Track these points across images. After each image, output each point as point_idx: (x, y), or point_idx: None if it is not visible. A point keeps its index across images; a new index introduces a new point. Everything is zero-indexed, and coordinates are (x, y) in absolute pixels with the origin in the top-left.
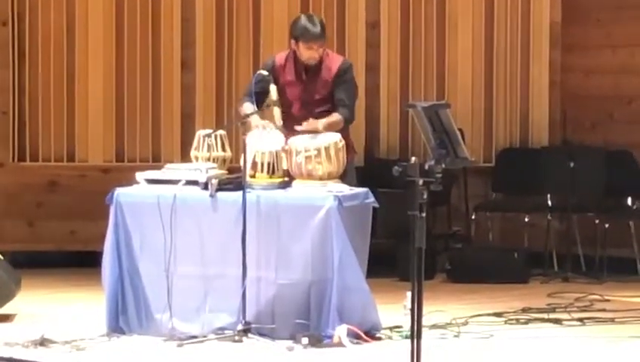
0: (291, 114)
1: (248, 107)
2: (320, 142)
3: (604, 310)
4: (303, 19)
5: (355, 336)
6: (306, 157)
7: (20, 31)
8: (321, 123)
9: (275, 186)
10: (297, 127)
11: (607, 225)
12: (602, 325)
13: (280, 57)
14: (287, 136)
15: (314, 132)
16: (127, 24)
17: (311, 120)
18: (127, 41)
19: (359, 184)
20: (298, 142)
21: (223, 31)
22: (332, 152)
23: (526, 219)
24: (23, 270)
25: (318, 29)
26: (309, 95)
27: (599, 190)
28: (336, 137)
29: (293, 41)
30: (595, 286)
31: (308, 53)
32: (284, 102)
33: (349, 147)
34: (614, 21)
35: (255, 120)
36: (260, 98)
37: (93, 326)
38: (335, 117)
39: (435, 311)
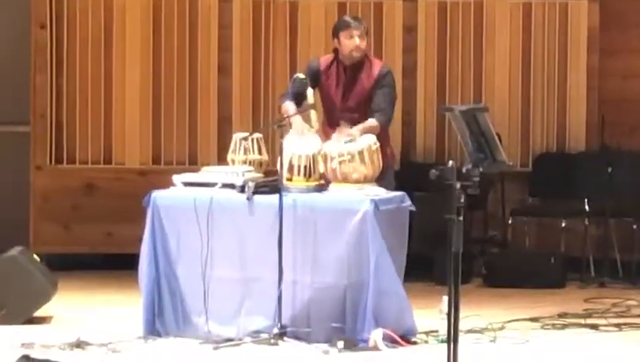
0: (332, 117)
1: (290, 106)
2: (354, 146)
3: None
4: (344, 16)
5: (390, 340)
6: (340, 162)
7: (58, 34)
8: (356, 129)
9: (312, 190)
10: (334, 135)
11: None
12: (639, 331)
13: (324, 60)
14: (324, 140)
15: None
16: (165, 28)
17: (344, 128)
18: (164, 45)
19: (396, 188)
20: (332, 147)
21: (259, 36)
22: (366, 156)
23: (563, 224)
24: (60, 272)
25: (358, 20)
26: (346, 100)
27: (637, 195)
28: (370, 140)
29: (335, 41)
30: (632, 292)
31: (350, 43)
32: (326, 106)
33: (389, 152)
34: None
35: (297, 122)
36: (297, 101)
37: (130, 329)
38: (370, 122)
39: (471, 315)
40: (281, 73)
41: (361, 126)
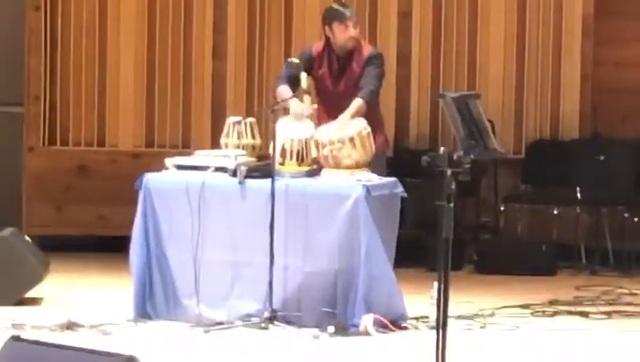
0: (326, 104)
1: (286, 90)
2: (344, 133)
3: (631, 304)
4: (334, 4)
5: (381, 326)
6: (332, 149)
7: (53, 16)
8: (346, 116)
9: (304, 174)
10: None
11: (636, 219)
12: (629, 319)
13: (316, 48)
14: (318, 125)
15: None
16: (159, 10)
17: (339, 119)
18: (158, 28)
19: (389, 175)
20: (323, 135)
21: (254, 19)
22: (357, 142)
23: (555, 212)
24: (51, 254)
25: (349, 9)
26: (339, 85)
27: (629, 183)
28: (360, 126)
29: (327, 28)
30: (623, 280)
31: (343, 35)
32: (320, 93)
33: (382, 139)
34: None
35: (294, 104)
36: (291, 85)
37: (121, 311)
38: (356, 103)
39: (461, 301)
40: (276, 57)
41: (348, 113)
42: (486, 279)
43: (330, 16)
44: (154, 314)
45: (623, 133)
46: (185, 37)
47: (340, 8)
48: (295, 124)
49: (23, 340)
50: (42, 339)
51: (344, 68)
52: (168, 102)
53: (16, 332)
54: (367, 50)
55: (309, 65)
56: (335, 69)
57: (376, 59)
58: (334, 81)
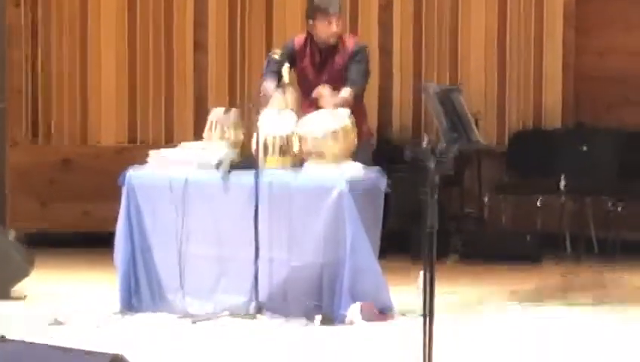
0: (308, 96)
1: (270, 85)
2: (328, 126)
3: (615, 292)
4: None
5: (368, 313)
6: (314, 143)
7: (33, 10)
8: (332, 103)
9: (287, 167)
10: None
11: (620, 207)
12: (614, 307)
13: (299, 40)
14: (300, 118)
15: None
16: (140, 5)
17: (320, 90)
18: (140, 21)
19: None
20: (306, 128)
21: (235, 11)
22: (340, 135)
23: (539, 202)
24: (36, 249)
25: (333, 3)
26: (322, 77)
27: (613, 172)
28: (344, 119)
29: (310, 22)
30: (607, 268)
31: (327, 30)
32: (302, 85)
33: (365, 130)
34: (629, 1)
35: (277, 100)
36: (274, 79)
37: (107, 306)
38: (345, 92)
39: (447, 292)
40: (258, 50)
41: (334, 102)
42: (471, 269)
43: (312, 11)
44: (140, 308)
45: (606, 121)
46: (166, 31)
47: (323, 2)
48: (278, 117)
49: (9, 340)
50: (28, 336)
51: (326, 60)
52: (150, 96)
53: (1, 330)
54: (351, 42)
55: (292, 57)
56: (317, 61)
57: (362, 54)
58: (317, 74)
